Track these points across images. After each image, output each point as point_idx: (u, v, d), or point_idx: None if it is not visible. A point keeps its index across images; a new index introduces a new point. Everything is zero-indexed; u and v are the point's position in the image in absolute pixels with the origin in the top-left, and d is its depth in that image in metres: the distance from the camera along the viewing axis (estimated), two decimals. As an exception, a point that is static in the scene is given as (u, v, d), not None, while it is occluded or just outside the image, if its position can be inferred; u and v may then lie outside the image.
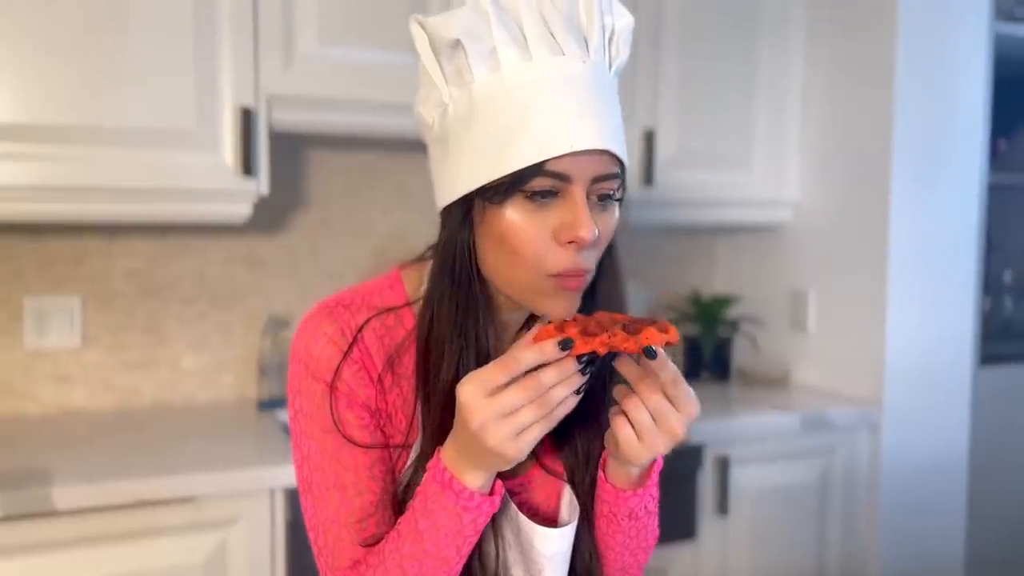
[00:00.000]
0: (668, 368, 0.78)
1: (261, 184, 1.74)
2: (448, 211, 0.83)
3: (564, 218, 0.78)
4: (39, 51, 1.56)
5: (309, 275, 2.12)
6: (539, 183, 0.78)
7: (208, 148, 1.70)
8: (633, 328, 0.74)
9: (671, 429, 0.80)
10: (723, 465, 1.89)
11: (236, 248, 2.06)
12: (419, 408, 0.88)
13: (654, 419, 0.79)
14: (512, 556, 0.90)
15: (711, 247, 2.57)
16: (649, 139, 2.05)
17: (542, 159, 0.77)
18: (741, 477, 1.93)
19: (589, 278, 0.82)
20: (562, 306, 0.81)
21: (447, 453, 0.80)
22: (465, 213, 0.81)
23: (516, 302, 0.85)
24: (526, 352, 0.74)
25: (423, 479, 0.81)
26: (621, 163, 0.82)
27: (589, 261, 0.81)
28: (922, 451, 2.08)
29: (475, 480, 0.78)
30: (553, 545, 0.89)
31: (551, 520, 0.93)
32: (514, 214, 0.79)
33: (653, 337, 0.73)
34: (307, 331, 0.87)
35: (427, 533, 0.79)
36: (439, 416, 0.84)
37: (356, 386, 0.86)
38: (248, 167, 1.71)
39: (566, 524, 0.91)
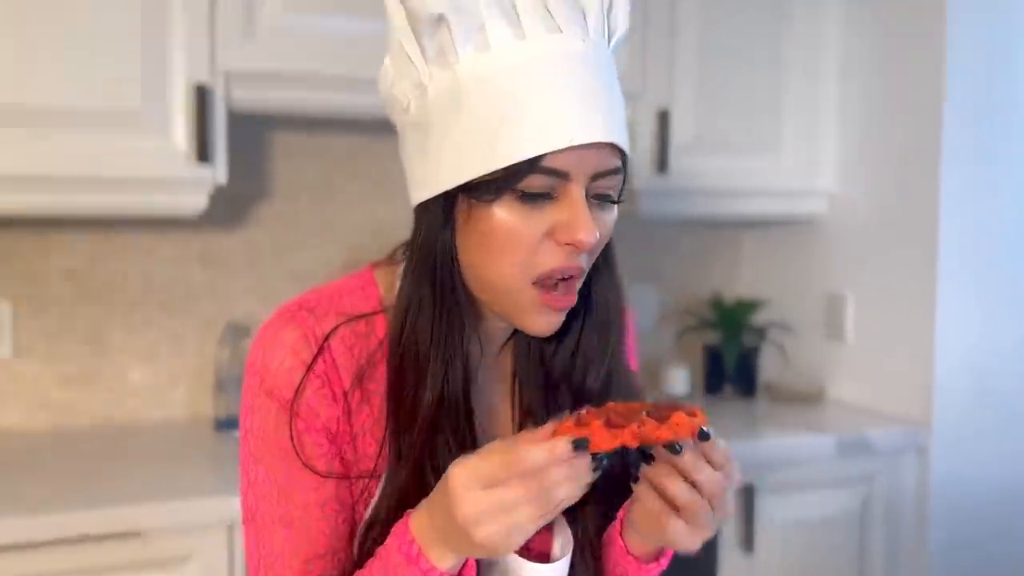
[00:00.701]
0: (720, 448, 0.79)
1: (218, 172, 1.77)
2: (425, 207, 0.84)
3: (560, 218, 0.80)
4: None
5: (273, 276, 2.14)
6: (534, 181, 0.79)
7: (157, 130, 1.73)
8: (658, 415, 0.75)
9: (725, 509, 0.80)
10: (748, 494, 1.91)
11: (190, 245, 2.08)
12: (389, 435, 0.88)
13: (709, 502, 0.79)
14: None
15: (737, 243, 2.60)
16: (663, 120, 2.07)
17: (539, 153, 0.78)
18: (769, 508, 1.95)
19: (574, 300, 0.85)
20: (544, 322, 0.84)
21: (418, 523, 0.79)
22: (447, 210, 0.82)
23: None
24: (534, 451, 0.73)
25: (386, 543, 0.81)
26: (624, 156, 0.84)
27: (584, 263, 0.84)
28: (978, 480, 2.08)
29: (446, 561, 0.78)
30: None
31: (542, 555, 0.94)
32: (504, 214, 0.80)
33: (683, 424, 0.74)
34: (265, 339, 0.88)
35: None
36: (418, 450, 0.85)
37: (318, 406, 0.86)
38: (203, 152, 1.73)
39: (558, 559, 0.91)
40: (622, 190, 0.86)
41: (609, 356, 0.93)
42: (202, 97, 1.72)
